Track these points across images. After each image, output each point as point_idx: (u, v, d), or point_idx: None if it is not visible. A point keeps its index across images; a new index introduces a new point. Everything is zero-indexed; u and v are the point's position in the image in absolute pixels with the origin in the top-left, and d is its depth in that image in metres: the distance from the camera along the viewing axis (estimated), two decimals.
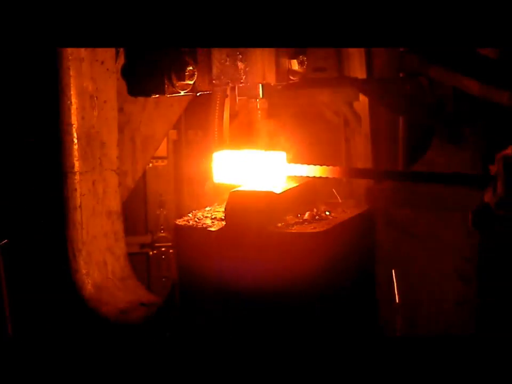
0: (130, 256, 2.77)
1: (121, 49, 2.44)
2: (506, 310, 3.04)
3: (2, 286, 2.60)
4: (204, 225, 2.26)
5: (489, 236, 3.03)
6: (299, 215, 2.28)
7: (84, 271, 2.56)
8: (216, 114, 2.66)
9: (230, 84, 2.38)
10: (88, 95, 2.55)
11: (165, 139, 3.90)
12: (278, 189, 2.27)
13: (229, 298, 2.20)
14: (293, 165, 2.33)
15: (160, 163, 4.17)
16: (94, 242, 2.58)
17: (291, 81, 2.55)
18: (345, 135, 4.10)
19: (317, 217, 2.27)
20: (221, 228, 2.22)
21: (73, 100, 2.50)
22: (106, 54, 2.59)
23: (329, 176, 2.28)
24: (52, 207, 2.54)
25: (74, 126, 2.51)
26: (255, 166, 2.35)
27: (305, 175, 2.31)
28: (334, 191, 2.41)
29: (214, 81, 2.29)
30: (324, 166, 2.29)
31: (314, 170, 2.29)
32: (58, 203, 2.52)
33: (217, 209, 2.39)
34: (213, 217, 2.33)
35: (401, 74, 3.39)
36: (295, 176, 2.34)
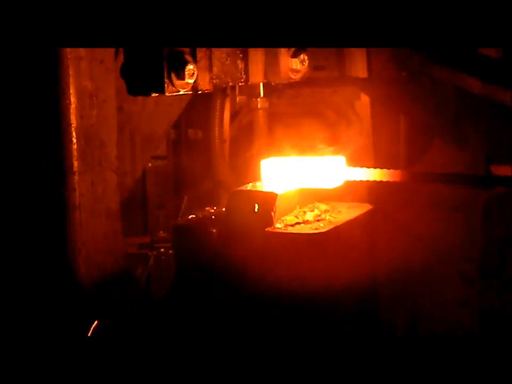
0: (129, 257, 2.76)
1: (121, 48, 2.43)
2: (508, 311, 3.03)
3: None
4: (204, 226, 2.25)
5: (491, 236, 3.02)
6: (299, 216, 2.27)
7: (83, 272, 2.55)
8: (217, 113, 2.65)
9: (230, 83, 2.37)
10: (87, 94, 2.53)
11: (165, 138, 3.89)
12: (278, 189, 2.25)
13: (229, 299, 2.19)
14: (352, 168, 2.28)
15: (159, 163, 4.16)
16: (93, 242, 2.58)
17: (292, 80, 2.54)
18: (346, 135, 4.09)
19: (317, 217, 2.26)
20: (221, 228, 2.21)
21: (72, 99, 2.49)
22: (106, 53, 2.58)
23: (390, 180, 2.22)
24: (51, 207, 2.53)
25: (73, 125, 2.50)
26: (314, 171, 2.29)
27: (365, 179, 2.26)
28: None
29: (214, 81, 2.27)
30: (385, 170, 2.23)
31: (374, 175, 2.24)
32: (57, 203, 2.51)
33: (217, 210, 2.39)
34: (213, 217, 2.32)
35: (403, 74, 3.38)
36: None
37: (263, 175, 2.31)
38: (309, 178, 2.28)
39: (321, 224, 2.20)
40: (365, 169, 2.25)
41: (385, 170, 2.23)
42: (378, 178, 2.24)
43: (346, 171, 2.29)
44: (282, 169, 2.30)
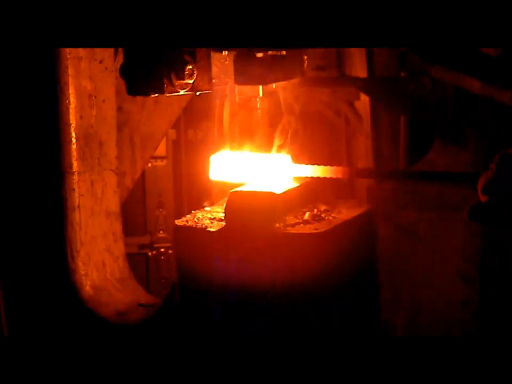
0: (129, 257, 2.76)
1: (120, 48, 2.43)
2: (508, 311, 3.03)
3: None
4: (204, 226, 2.25)
5: (491, 236, 3.02)
6: (299, 216, 2.26)
7: (82, 272, 2.55)
8: (216, 113, 2.64)
9: (230, 83, 2.37)
10: (87, 94, 2.53)
11: (164, 139, 3.89)
12: (278, 189, 2.25)
13: (229, 299, 2.19)
14: (297, 165, 2.33)
15: (159, 163, 4.16)
16: (93, 243, 2.57)
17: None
18: (346, 135, 4.09)
19: (317, 217, 2.26)
20: (221, 228, 2.21)
21: (72, 99, 2.49)
22: (105, 52, 2.58)
23: (333, 176, 2.28)
24: (50, 207, 2.53)
25: (72, 125, 2.50)
26: (260, 167, 2.34)
27: (310, 176, 2.31)
28: None
29: (213, 81, 2.27)
30: (328, 167, 2.29)
31: (319, 171, 2.29)
32: (56, 203, 2.51)
33: (217, 210, 2.38)
34: (212, 217, 2.32)
35: (402, 74, 3.38)
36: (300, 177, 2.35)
37: (212, 169, 2.35)
38: (255, 175, 2.33)
39: (321, 224, 2.20)
40: (309, 166, 2.31)
41: (328, 167, 2.31)
42: (321, 175, 2.29)
43: (292, 168, 2.33)
44: (230, 164, 2.35)
